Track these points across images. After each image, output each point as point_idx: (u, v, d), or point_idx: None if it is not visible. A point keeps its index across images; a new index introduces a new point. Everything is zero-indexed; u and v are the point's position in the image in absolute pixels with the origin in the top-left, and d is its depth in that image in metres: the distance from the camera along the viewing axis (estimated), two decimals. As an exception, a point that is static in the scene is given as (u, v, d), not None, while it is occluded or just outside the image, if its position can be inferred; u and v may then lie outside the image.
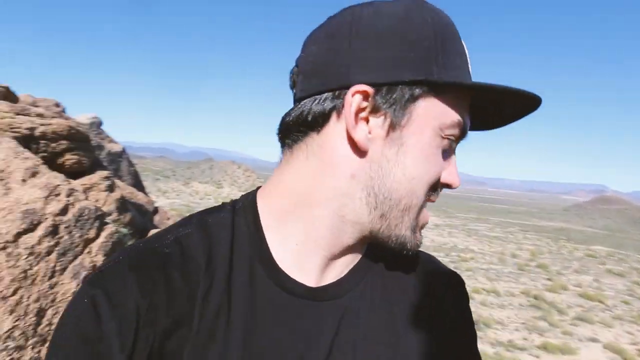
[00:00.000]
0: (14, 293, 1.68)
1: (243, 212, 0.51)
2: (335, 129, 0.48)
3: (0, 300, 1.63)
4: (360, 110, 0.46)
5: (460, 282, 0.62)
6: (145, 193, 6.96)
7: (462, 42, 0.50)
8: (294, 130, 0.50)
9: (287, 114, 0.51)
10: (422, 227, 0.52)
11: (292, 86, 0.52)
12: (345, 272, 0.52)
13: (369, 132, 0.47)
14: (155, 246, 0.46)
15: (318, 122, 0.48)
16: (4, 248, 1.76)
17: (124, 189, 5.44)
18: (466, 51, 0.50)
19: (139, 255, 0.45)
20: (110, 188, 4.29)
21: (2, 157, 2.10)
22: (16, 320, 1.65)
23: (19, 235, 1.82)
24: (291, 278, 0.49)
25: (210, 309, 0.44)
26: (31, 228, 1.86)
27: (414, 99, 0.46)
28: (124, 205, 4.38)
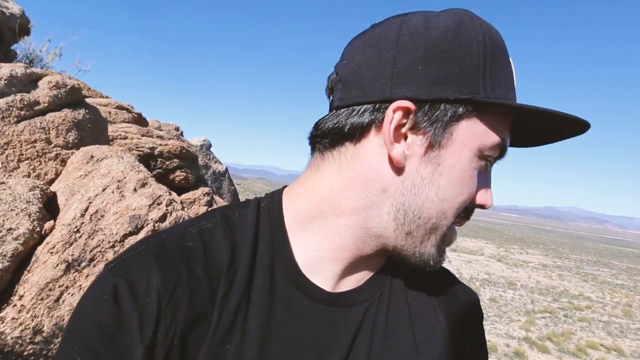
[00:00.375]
0: (116, 287, 1.93)
1: (268, 210, 0.51)
2: (372, 142, 0.47)
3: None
4: (399, 126, 0.45)
5: (478, 302, 0.61)
6: (241, 210, 7.47)
7: (510, 58, 0.47)
8: (329, 138, 0.49)
9: (322, 121, 0.50)
10: (446, 246, 0.51)
11: (329, 93, 0.51)
12: (364, 280, 0.52)
13: (407, 149, 0.46)
14: (178, 238, 0.46)
15: (355, 133, 0.47)
16: (112, 247, 2.05)
17: (221, 205, 5.95)
18: (513, 68, 0.47)
19: (162, 247, 0.45)
20: (210, 203, 4.73)
21: (122, 169, 2.46)
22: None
23: (125, 236, 2.10)
24: (311, 282, 0.48)
25: (230, 307, 0.44)
26: (135, 231, 2.13)
27: (456, 118, 0.45)
28: (219, 219, 4.78)
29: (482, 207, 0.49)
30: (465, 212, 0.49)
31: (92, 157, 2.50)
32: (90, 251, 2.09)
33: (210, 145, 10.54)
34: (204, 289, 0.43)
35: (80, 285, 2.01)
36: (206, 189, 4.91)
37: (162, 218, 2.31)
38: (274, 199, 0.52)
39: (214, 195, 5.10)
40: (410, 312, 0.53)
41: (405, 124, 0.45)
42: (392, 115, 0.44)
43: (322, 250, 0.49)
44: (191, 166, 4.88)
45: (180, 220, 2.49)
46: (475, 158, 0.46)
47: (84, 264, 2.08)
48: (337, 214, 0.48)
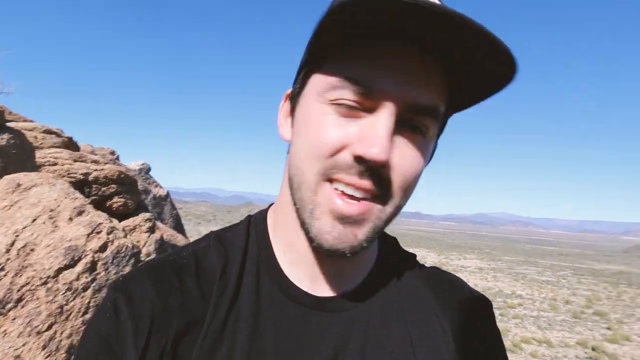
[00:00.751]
0: (49, 328, 1.75)
1: (256, 223, 0.55)
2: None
3: (35, 335, 1.71)
4: (289, 111, 0.51)
5: (484, 303, 0.57)
6: (186, 236, 7.19)
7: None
8: None
9: None
10: (335, 216, 0.42)
11: None
12: (355, 284, 0.52)
13: (292, 125, 0.49)
14: (174, 257, 0.50)
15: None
16: (44, 283, 1.87)
17: (164, 231, 5.66)
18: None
19: (159, 264, 0.49)
20: (152, 229, 4.48)
21: (55, 197, 2.27)
22: (47, 356, 1.70)
23: (60, 270, 1.93)
24: (295, 286, 0.50)
25: (220, 314, 0.46)
26: (72, 264, 1.97)
27: (304, 80, 0.47)
28: (162, 246, 4.54)
29: (362, 159, 0.40)
30: (340, 166, 0.41)
31: (18, 185, 2.28)
32: (18, 290, 1.88)
33: (149, 169, 10.02)
34: (196, 298, 0.47)
35: (5, 331, 1.80)
36: (147, 215, 4.66)
37: (103, 248, 2.15)
38: (262, 212, 0.56)
39: (156, 221, 4.85)
40: (405, 316, 0.51)
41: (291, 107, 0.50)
42: (283, 104, 0.52)
43: (289, 252, 0.50)
44: (130, 191, 4.62)
45: (123, 249, 2.33)
46: (320, 105, 0.43)
47: (9, 305, 1.87)
48: (285, 213, 0.50)
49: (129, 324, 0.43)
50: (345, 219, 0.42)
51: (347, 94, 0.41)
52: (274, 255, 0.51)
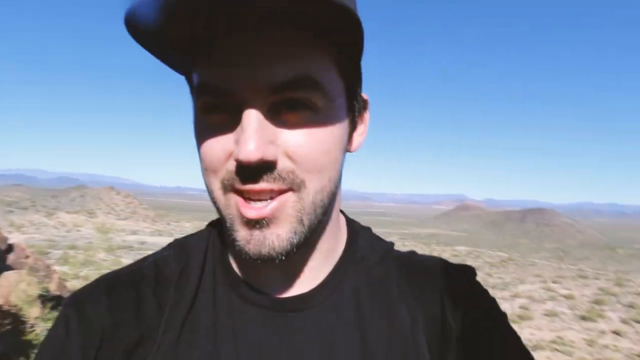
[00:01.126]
0: None
1: (216, 225, 0.54)
2: None
3: None
4: None
5: (468, 273, 0.53)
6: (-5, 229, 5.96)
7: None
8: None
9: None
10: (247, 223, 0.41)
11: None
12: (316, 283, 0.49)
13: None
14: (134, 268, 0.51)
15: None
16: None
17: None
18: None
19: (116, 277, 0.50)
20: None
21: None
22: None
23: None
24: (251, 289, 0.48)
25: (177, 319, 0.46)
26: None
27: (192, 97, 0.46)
28: (-36, 244, 3.76)
29: (241, 162, 0.38)
30: (233, 174, 0.40)
31: None
32: None
33: None
34: (151, 308, 0.47)
35: None
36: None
37: None
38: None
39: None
40: (368, 312, 0.48)
41: None
42: None
43: (239, 257, 0.49)
44: None
45: None
46: (199, 116, 0.43)
47: None
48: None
49: (78, 338, 0.44)
50: (258, 223, 0.40)
51: (204, 99, 0.41)
52: (229, 260, 0.51)
